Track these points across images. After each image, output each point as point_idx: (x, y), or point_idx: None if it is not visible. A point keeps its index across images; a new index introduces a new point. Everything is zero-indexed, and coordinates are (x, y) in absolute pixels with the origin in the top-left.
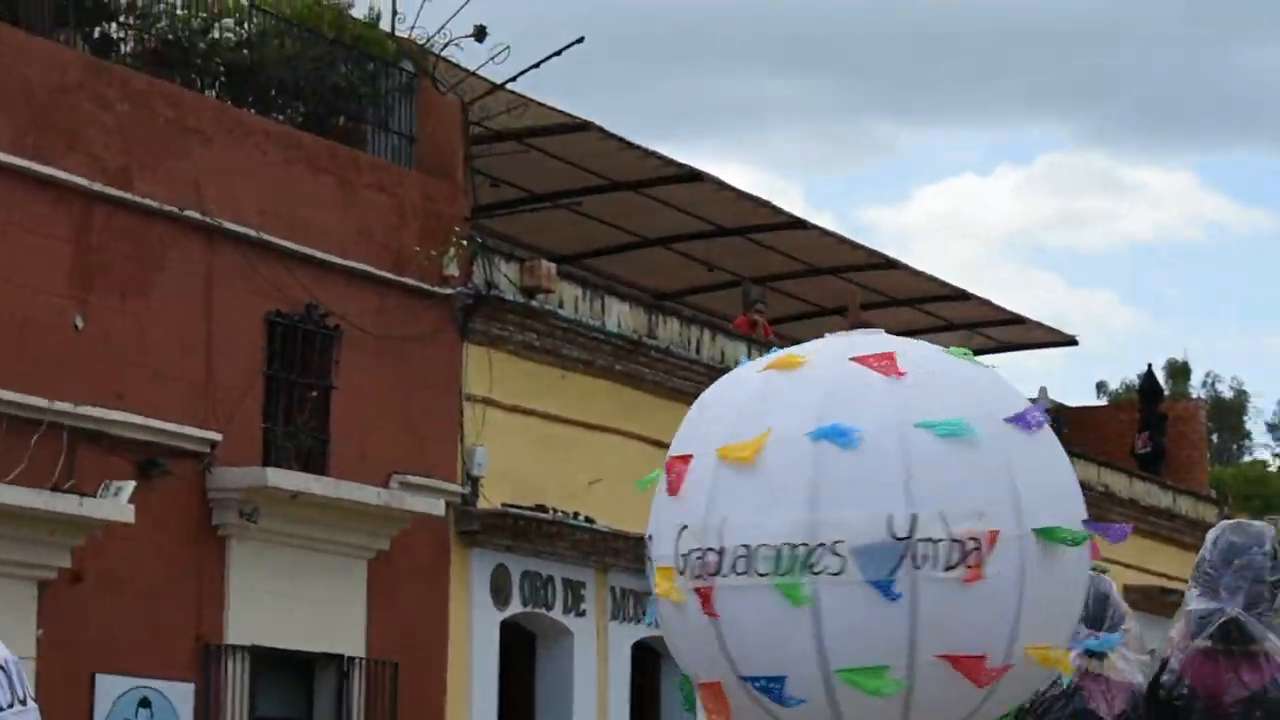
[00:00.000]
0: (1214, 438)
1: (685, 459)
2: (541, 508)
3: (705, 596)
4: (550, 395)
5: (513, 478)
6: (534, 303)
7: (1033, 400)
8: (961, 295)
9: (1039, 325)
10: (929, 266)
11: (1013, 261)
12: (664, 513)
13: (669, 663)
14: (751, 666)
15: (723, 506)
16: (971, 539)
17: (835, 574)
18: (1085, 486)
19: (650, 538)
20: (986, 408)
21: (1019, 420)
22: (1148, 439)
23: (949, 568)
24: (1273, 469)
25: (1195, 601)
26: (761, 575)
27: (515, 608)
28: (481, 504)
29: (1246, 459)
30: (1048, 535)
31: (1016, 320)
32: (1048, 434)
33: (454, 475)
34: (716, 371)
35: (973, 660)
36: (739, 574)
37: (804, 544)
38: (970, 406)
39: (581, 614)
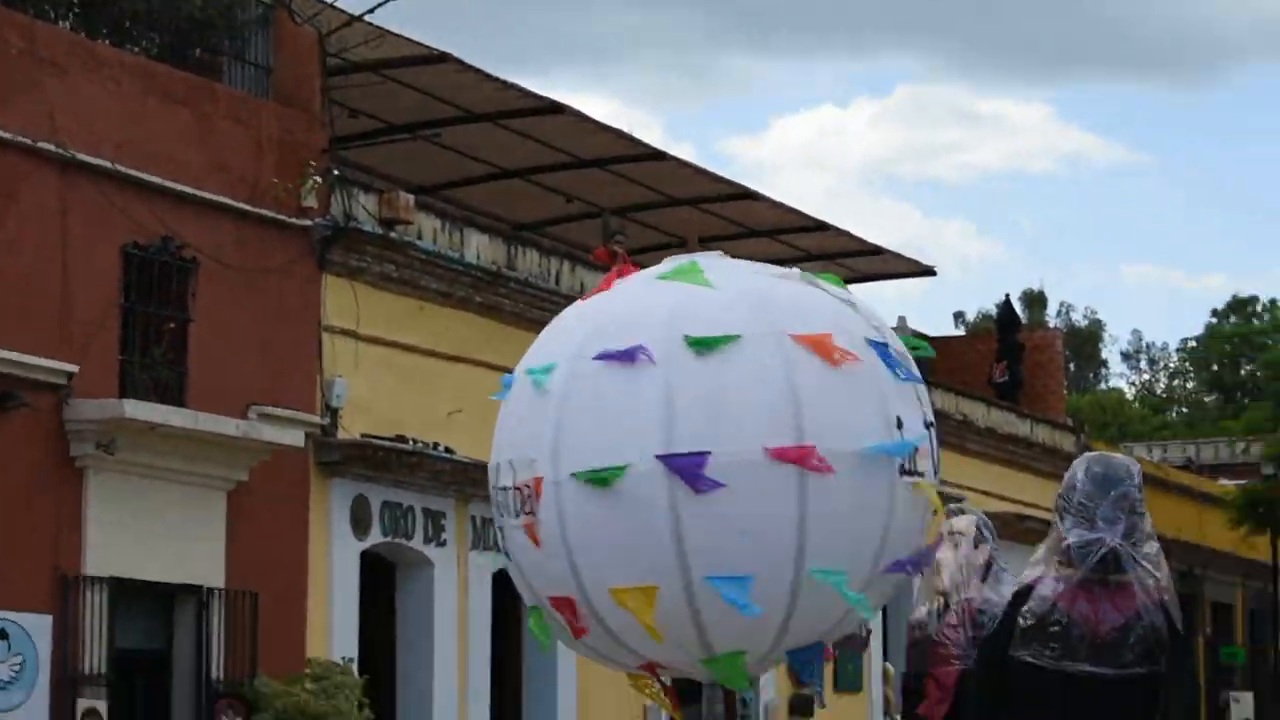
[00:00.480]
0: (1070, 366)
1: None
2: (401, 438)
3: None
4: (409, 326)
5: (372, 409)
6: (393, 234)
7: (895, 329)
8: (820, 226)
9: (897, 256)
10: (787, 197)
11: (870, 192)
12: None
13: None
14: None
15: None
16: (526, 486)
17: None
18: (944, 416)
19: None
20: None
21: (617, 356)
22: (1005, 368)
23: (515, 515)
24: (1128, 397)
25: (1072, 532)
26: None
27: (375, 538)
28: (341, 435)
29: (1102, 387)
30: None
31: (875, 251)
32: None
33: (313, 407)
34: None
35: (563, 601)
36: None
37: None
38: (568, 346)
39: (442, 544)
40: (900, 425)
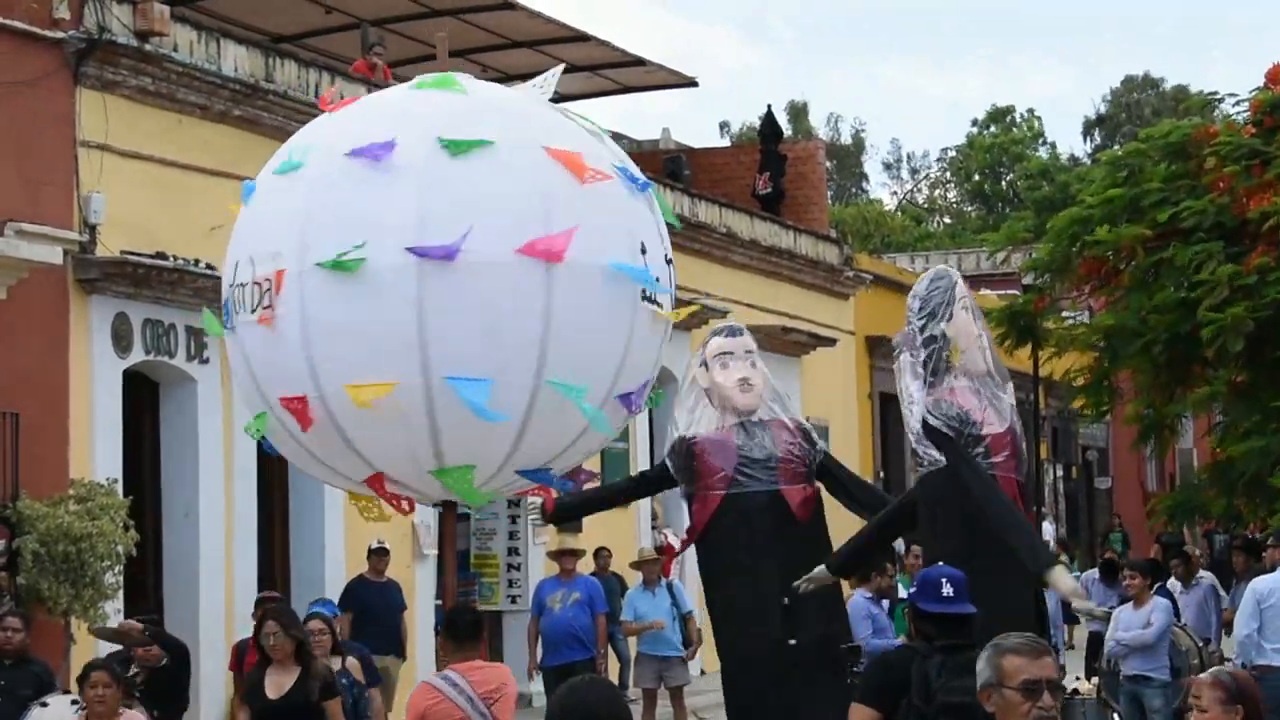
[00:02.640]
0: (833, 178)
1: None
2: (162, 255)
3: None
4: (167, 141)
5: (131, 225)
6: (148, 46)
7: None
8: (581, 37)
9: (660, 67)
10: (546, 7)
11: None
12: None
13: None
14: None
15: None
16: (266, 280)
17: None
18: (708, 228)
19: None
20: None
21: (369, 152)
22: (768, 180)
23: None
24: (888, 208)
25: (934, 332)
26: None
27: (137, 356)
28: (100, 252)
29: (864, 199)
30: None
31: (637, 62)
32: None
33: (71, 223)
34: None
35: (295, 400)
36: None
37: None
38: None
39: (205, 361)
40: (644, 251)
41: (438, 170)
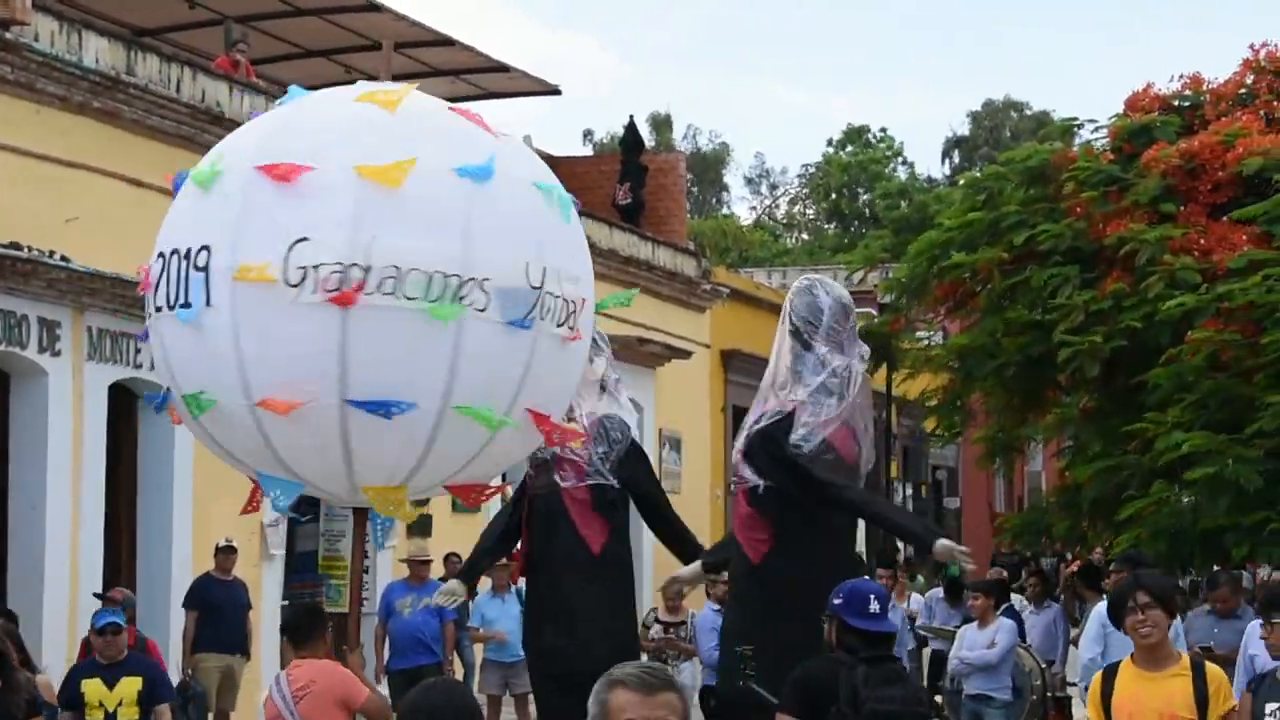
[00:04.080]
0: (694, 190)
1: (297, 169)
2: (16, 245)
3: (345, 305)
4: (25, 131)
5: None
6: (8, 35)
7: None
8: (446, 41)
9: (523, 74)
10: (411, 10)
11: (494, 5)
12: (249, 222)
13: (146, 403)
14: (368, 390)
15: (370, 225)
16: (573, 301)
17: (480, 310)
18: None
19: (205, 249)
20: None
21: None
22: (628, 190)
23: (559, 324)
24: (747, 223)
25: (835, 358)
26: (410, 299)
27: None
28: None
29: (725, 212)
30: (604, 305)
31: (501, 68)
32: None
33: None
34: (198, 111)
35: (546, 418)
36: (385, 294)
37: (456, 275)
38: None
39: (57, 354)
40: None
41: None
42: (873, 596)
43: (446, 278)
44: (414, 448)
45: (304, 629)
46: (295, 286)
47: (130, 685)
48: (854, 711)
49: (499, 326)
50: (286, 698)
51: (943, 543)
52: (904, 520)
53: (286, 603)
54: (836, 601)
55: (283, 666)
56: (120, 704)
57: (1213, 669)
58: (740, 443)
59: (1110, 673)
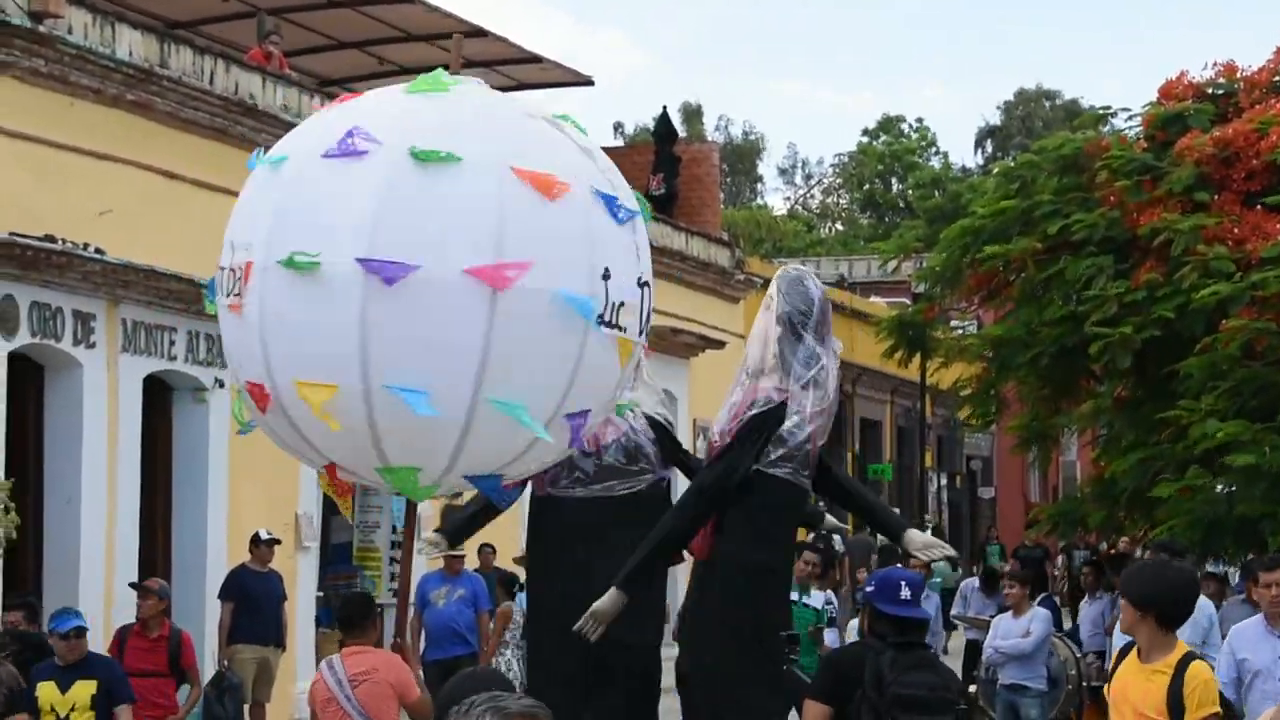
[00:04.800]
0: (727, 181)
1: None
2: (50, 238)
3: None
4: (59, 123)
5: (20, 206)
6: (42, 28)
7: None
8: (479, 32)
9: (556, 65)
10: (444, 2)
11: None
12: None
13: (181, 395)
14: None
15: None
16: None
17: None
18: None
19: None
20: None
21: (339, 154)
22: (661, 180)
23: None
24: (781, 213)
25: (825, 352)
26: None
27: (24, 339)
28: None
29: (759, 203)
30: (290, 265)
31: (534, 59)
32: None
33: None
34: (231, 103)
35: (255, 386)
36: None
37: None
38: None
39: (92, 346)
40: (607, 276)
41: (403, 181)
42: (904, 583)
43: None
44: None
45: (357, 618)
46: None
47: (84, 689)
48: (879, 696)
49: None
50: (343, 682)
51: (913, 537)
52: (885, 512)
53: (321, 594)
54: (869, 589)
55: (319, 656)
56: (73, 709)
57: (1196, 669)
58: (723, 424)
59: (1125, 650)
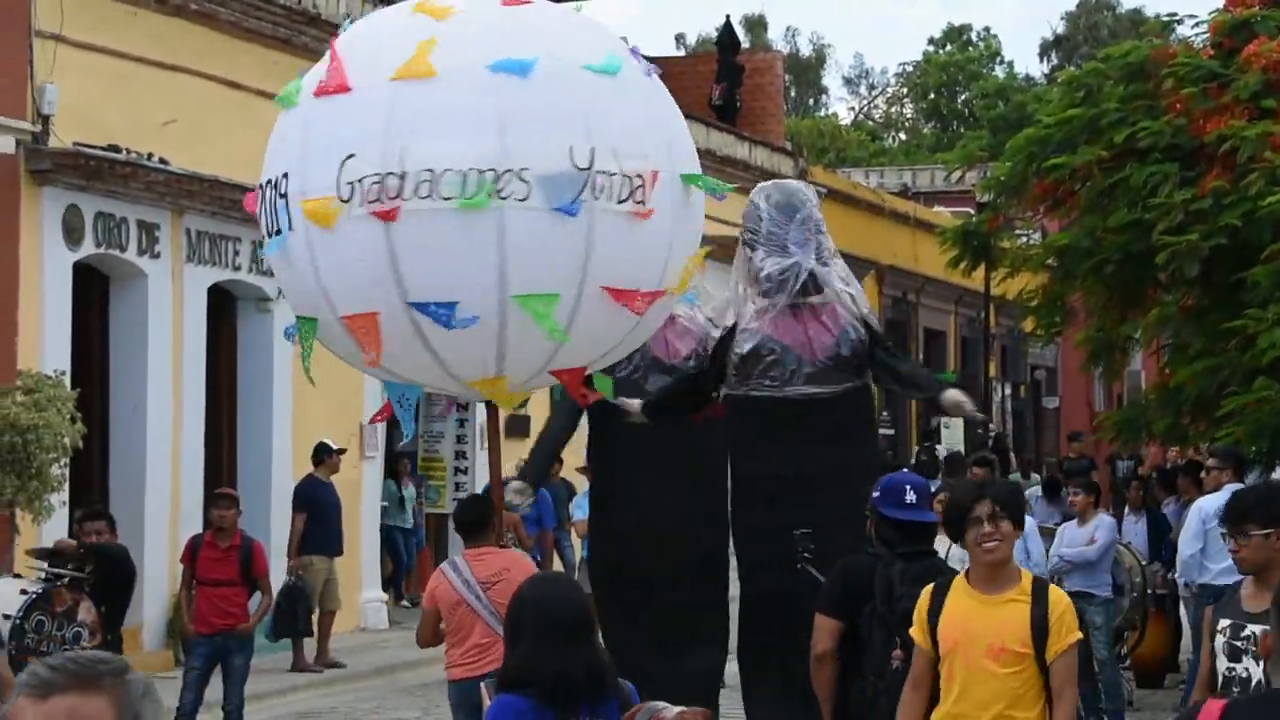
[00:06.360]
0: (791, 92)
1: (340, 88)
2: (115, 148)
3: (388, 219)
4: (123, 33)
5: (85, 116)
6: None
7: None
8: None
9: None
10: None
11: None
12: (312, 146)
13: (245, 305)
14: (424, 292)
15: (403, 134)
16: (639, 176)
17: (521, 200)
18: None
19: (285, 176)
20: (622, 51)
21: (646, 67)
22: (724, 90)
23: (620, 201)
24: (845, 122)
25: (767, 261)
26: (446, 199)
27: (89, 249)
28: (53, 143)
29: (822, 113)
30: (691, 180)
31: None
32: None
33: (24, 113)
34: (295, 13)
35: (629, 293)
36: (422, 198)
37: (491, 170)
38: (613, 48)
39: (156, 256)
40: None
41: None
42: (908, 487)
43: (482, 173)
44: (488, 340)
45: (476, 522)
46: (346, 202)
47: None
48: (889, 610)
49: (543, 213)
50: (472, 584)
51: (953, 396)
52: (924, 376)
53: (385, 504)
54: (875, 494)
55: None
56: None
57: (1057, 594)
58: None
59: (941, 589)
